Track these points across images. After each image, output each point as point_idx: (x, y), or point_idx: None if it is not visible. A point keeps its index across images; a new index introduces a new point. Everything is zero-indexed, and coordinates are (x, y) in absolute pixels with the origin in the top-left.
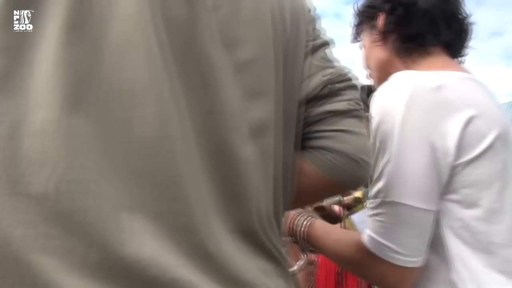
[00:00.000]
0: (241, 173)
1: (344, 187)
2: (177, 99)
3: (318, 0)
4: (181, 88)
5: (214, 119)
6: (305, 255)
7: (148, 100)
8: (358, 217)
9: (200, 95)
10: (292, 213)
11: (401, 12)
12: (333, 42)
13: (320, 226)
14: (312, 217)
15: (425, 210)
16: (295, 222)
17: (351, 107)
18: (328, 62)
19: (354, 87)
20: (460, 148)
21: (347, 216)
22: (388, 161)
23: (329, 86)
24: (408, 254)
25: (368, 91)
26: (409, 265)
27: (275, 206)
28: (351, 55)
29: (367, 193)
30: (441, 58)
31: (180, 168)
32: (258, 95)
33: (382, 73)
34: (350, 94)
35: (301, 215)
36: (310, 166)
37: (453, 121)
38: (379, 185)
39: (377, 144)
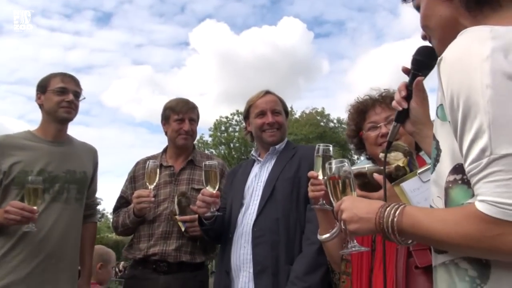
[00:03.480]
0: None
1: None
2: None
3: None
4: None
5: None
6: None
7: None
8: (410, 185)
9: None
10: (375, 206)
11: None
12: None
13: (415, 211)
14: (401, 205)
15: None
16: (383, 215)
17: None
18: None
19: None
20: None
21: (397, 184)
22: (485, 114)
23: None
24: None
25: (430, 52)
26: None
27: None
28: (380, 24)
29: (409, 162)
30: None
31: None
32: None
33: (446, 32)
34: None
35: (388, 206)
36: None
37: None
38: (481, 143)
39: (462, 104)
